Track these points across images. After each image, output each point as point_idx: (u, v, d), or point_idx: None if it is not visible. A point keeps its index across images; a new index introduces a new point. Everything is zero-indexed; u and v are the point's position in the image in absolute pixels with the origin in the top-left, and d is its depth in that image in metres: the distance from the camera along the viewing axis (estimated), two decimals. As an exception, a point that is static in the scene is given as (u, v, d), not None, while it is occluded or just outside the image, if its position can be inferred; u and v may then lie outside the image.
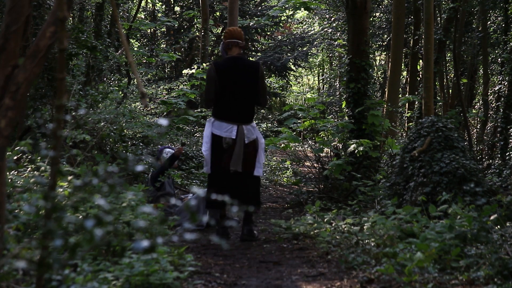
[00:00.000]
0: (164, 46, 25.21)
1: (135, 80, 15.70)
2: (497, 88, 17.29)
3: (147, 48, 22.51)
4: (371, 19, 21.46)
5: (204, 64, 14.88)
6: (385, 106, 13.07)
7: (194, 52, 24.10)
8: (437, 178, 6.85)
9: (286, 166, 15.81)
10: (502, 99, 15.62)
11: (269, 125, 24.21)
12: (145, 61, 21.07)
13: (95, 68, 11.74)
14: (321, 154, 10.82)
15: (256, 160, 6.88)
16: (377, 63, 27.97)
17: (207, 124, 6.95)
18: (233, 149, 6.74)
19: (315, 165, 10.67)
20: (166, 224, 5.62)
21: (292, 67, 28.27)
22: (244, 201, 6.71)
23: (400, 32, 14.39)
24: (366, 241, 5.57)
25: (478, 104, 21.16)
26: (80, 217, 4.49)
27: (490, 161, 15.19)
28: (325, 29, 26.37)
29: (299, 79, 38.89)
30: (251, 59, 26.16)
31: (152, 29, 24.96)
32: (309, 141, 13.80)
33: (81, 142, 8.14)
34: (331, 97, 28.54)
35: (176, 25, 20.63)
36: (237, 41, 7.01)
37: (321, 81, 38.40)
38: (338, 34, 25.28)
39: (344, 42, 23.74)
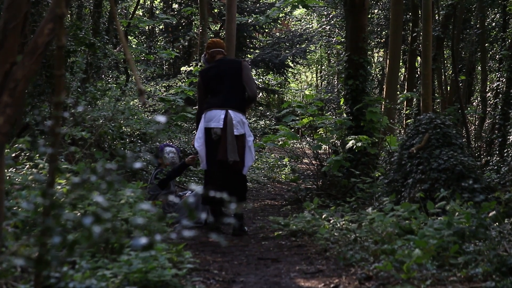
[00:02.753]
0: (163, 43, 25.18)
1: (133, 77, 15.70)
2: (495, 85, 17.30)
3: (145, 45, 22.49)
4: (369, 16, 21.45)
5: (202, 61, 14.85)
6: (383, 103, 13.07)
7: (192, 49, 24.08)
8: (435, 175, 6.85)
9: (284, 163, 15.82)
10: (500, 95, 15.64)
11: (267, 122, 24.20)
12: (143, 58, 21.05)
13: (93, 66, 11.73)
14: (319, 151, 10.83)
15: (245, 159, 7.03)
16: (375, 60, 27.96)
17: (201, 120, 7.17)
18: (224, 140, 6.93)
19: (314, 162, 10.68)
20: (164, 221, 5.62)
21: (290, 64, 28.24)
22: (238, 197, 6.91)
23: (398, 29, 14.38)
24: (365, 238, 5.57)
25: (476, 101, 21.16)
26: (79, 214, 4.48)
27: (488, 158, 15.19)
28: (323, 26, 26.36)
29: (297, 76, 38.89)
30: (249, 56, 26.18)
31: (150, 26, 24.92)
32: (308, 138, 13.79)
33: (79, 140, 8.14)
34: (330, 94, 28.53)
35: (174, 22, 20.61)
36: (221, 49, 7.45)
37: (319, 78, 38.40)
38: (337, 31, 25.28)
39: (342, 39, 23.72)
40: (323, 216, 6.71)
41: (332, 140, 10.67)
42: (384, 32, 21.83)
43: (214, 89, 7.14)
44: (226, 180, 6.94)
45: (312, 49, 30.53)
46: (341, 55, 23.17)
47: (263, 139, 10.99)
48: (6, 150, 5.11)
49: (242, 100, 7.16)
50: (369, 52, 21.37)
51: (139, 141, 11.73)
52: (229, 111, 6.99)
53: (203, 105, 7.22)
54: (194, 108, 14.00)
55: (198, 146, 7.06)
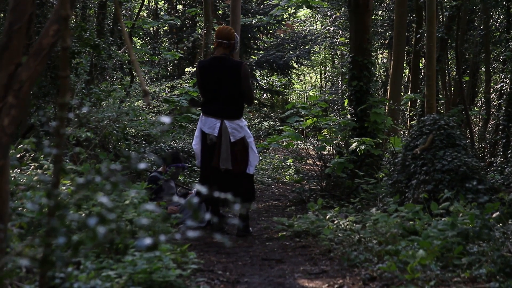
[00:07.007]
0: (167, 44, 25.21)
1: (137, 79, 15.72)
2: (499, 86, 17.28)
3: (149, 46, 22.51)
4: (373, 17, 21.43)
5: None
6: (387, 104, 13.07)
7: (196, 50, 24.10)
8: (439, 176, 6.85)
9: (288, 164, 15.81)
10: (504, 97, 15.62)
11: (272, 123, 24.20)
12: (147, 59, 21.07)
13: (98, 67, 11.75)
14: (323, 152, 10.83)
15: (248, 159, 6.98)
16: (379, 61, 27.93)
17: (199, 119, 7.16)
18: (219, 147, 6.88)
19: (318, 163, 10.68)
20: (168, 222, 5.64)
21: (295, 65, 28.22)
22: (237, 197, 6.81)
23: (402, 30, 14.37)
24: (369, 238, 5.58)
25: (480, 102, 21.13)
26: (83, 215, 4.50)
27: (492, 159, 15.18)
28: (327, 28, 26.36)
29: (301, 77, 38.87)
30: (253, 57, 26.19)
31: (154, 28, 24.94)
32: (312, 139, 13.79)
33: (84, 140, 8.15)
34: (334, 95, 28.50)
35: (178, 23, 20.62)
36: (222, 41, 7.05)
37: (323, 79, 38.36)
38: (341, 32, 25.27)
39: (346, 40, 23.72)
40: (327, 217, 6.71)
41: (336, 141, 10.67)
42: (388, 33, 21.82)
43: (212, 92, 6.96)
44: (223, 182, 6.86)
45: (316, 50, 30.51)
46: (345, 56, 23.19)
47: (267, 139, 11.00)
48: (11, 151, 5.13)
49: (237, 108, 7.02)
50: (373, 53, 21.33)
51: (143, 142, 11.76)
52: (225, 121, 6.90)
53: (200, 91, 7.15)
54: (198, 109, 14.02)
55: (194, 145, 7.09)
